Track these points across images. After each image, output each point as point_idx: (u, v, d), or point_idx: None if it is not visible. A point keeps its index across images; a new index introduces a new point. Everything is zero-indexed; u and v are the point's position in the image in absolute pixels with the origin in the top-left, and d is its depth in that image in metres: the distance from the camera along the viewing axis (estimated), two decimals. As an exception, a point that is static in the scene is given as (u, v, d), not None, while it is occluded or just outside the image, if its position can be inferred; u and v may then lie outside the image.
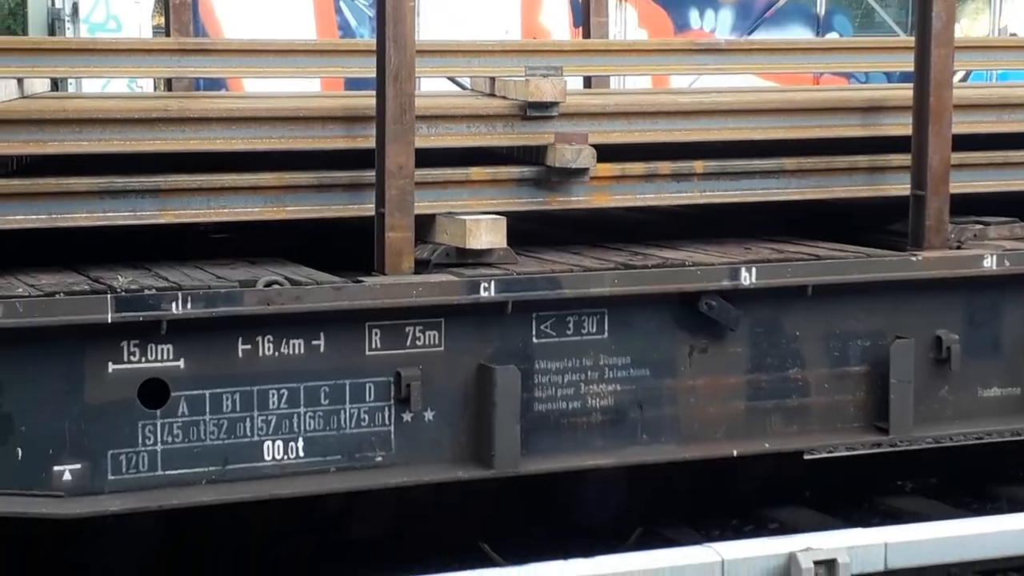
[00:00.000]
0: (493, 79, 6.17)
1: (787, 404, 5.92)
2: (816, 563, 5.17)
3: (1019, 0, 19.83)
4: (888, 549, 5.46)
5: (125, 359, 4.83)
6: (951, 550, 5.89)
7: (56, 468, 4.77)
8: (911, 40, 6.51)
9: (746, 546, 5.45)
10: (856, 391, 6.09)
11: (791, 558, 5.22)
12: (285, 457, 5.12)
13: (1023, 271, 6.22)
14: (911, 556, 5.65)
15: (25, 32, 11.78)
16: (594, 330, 5.51)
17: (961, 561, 6.05)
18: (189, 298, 4.77)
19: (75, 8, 11.80)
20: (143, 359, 4.87)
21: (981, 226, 6.41)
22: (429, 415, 5.28)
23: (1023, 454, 8.67)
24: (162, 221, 5.34)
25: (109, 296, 4.69)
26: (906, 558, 5.60)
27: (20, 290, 4.77)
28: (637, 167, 5.97)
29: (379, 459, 5.23)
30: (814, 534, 5.63)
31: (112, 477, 4.87)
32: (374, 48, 5.34)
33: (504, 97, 5.86)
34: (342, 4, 13.05)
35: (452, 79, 6.35)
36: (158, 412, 4.89)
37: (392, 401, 5.21)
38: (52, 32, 11.68)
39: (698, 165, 6.02)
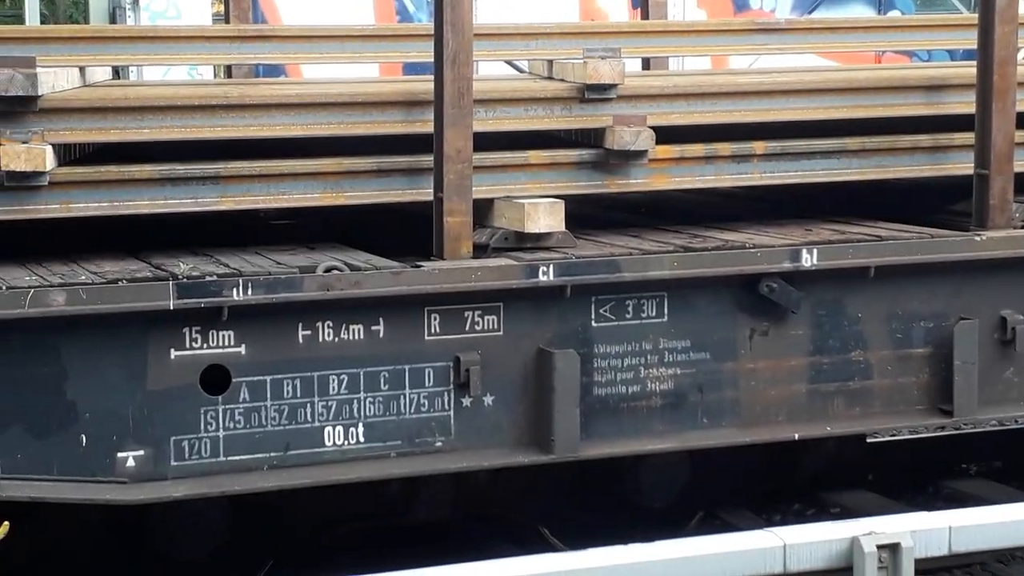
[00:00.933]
0: (551, 62, 6.19)
1: (849, 387, 5.95)
2: (879, 547, 5.14)
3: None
4: (952, 533, 5.42)
5: (187, 346, 4.89)
6: (1015, 533, 5.85)
7: (120, 454, 4.85)
8: (974, 17, 6.52)
9: (808, 530, 5.43)
10: (919, 373, 6.09)
11: (854, 542, 5.18)
12: (346, 443, 5.17)
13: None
14: (975, 540, 5.62)
15: (87, 21, 11.85)
16: (654, 314, 5.54)
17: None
18: (250, 284, 4.82)
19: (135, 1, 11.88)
20: (204, 345, 4.93)
21: None
22: (488, 400, 5.32)
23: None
24: (223, 208, 5.41)
25: (171, 283, 4.73)
26: (970, 542, 5.58)
27: (83, 277, 4.84)
28: (697, 149, 6.01)
29: (439, 444, 5.29)
30: (877, 518, 5.49)
31: (175, 463, 4.93)
32: (432, 32, 5.36)
33: (562, 80, 5.89)
34: (399, -8, 13.01)
35: (510, 62, 6.34)
36: (220, 398, 4.95)
37: (452, 386, 5.25)
38: (113, 20, 11.72)
39: (758, 146, 6.04)
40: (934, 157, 6.45)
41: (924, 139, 6.43)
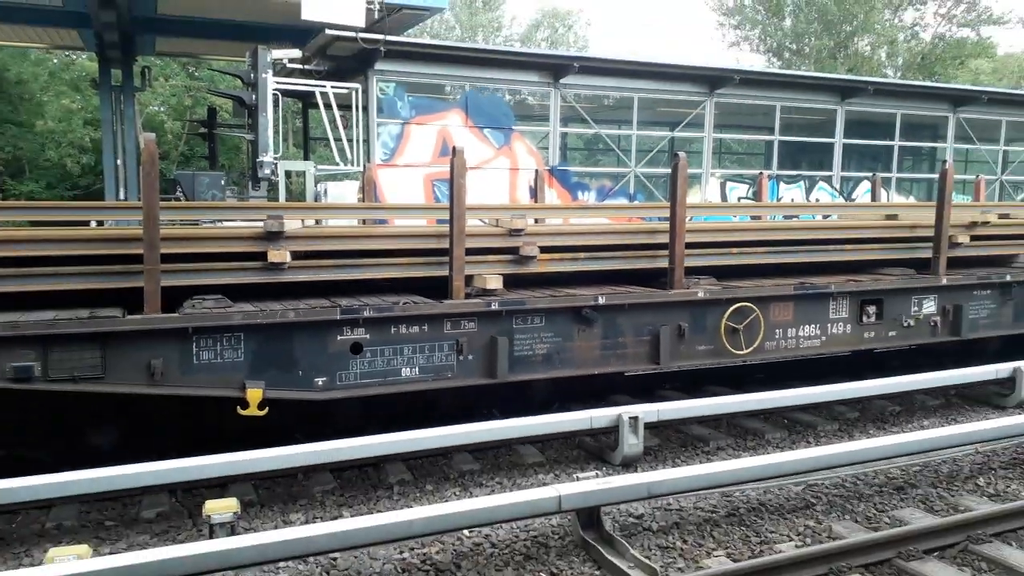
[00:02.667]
0: (497, 219, 6.43)
1: (618, 352, 6.30)
2: (630, 417, 5.74)
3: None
4: (659, 412, 5.96)
5: (344, 334, 5.45)
6: (690, 409, 6.23)
7: (315, 379, 5.42)
8: (667, 203, 6.65)
9: (602, 410, 5.84)
10: (647, 347, 6.39)
11: (619, 416, 5.76)
12: (411, 374, 5.65)
13: (719, 297, 6.54)
14: (670, 414, 6.09)
15: (304, 198, 12.03)
16: (539, 322, 6.00)
17: (693, 417, 6.54)
18: (371, 308, 5.43)
19: (325, 191, 12.40)
20: (352, 333, 5.49)
21: (697, 278, 6.69)
22: (471, 357, 5.81)
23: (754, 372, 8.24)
24: (361, 276, 5.85)
25: (338, 308, 5.35)
26: (668, 415, 6.06)
27: (303, 307, 5.39)
28: (557, 255, 6.37)
29: (449, 375, 5.78)
30: (631, 406, 6.01)
31: (339, 383, 5.47)
32: (447, 207, 5.86)
33: (501, 227, 6.27)
34: (435, 186, 13.52)
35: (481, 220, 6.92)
36: (357, 356, 5.50)
37: (455, 352, 5.75)
38: (316, 198, 12.15)
39: (581, 255, 6.49)
40: (653, 261, 6.67)
41: (648, 252, 6.70)
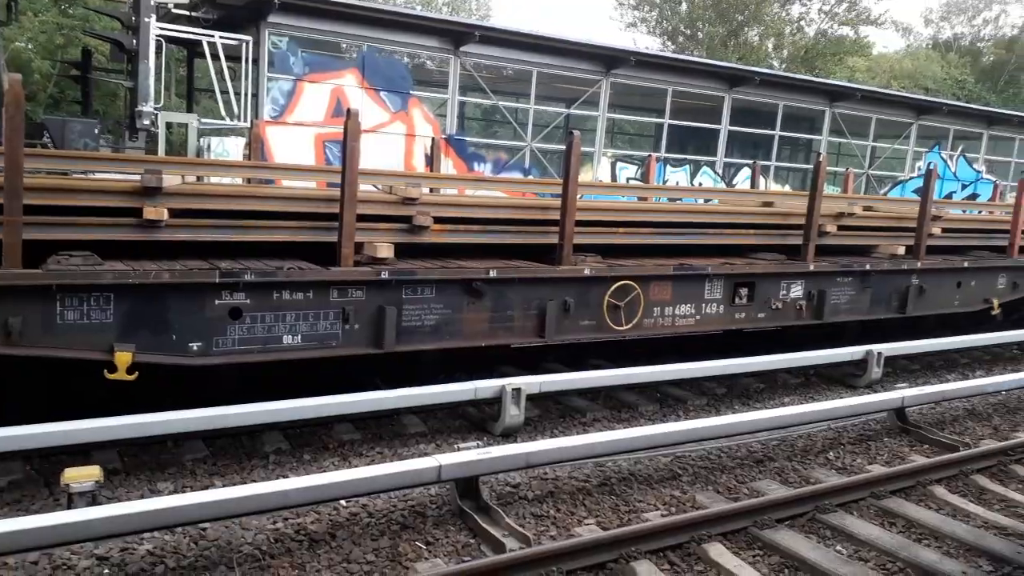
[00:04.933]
0: (391, 186, 6.31)
1: (507, 325, 6.30)
2: (512, 388, 5.88)
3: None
4: (541, 384, 6.12)
5: (223, 298, 5.21)
6: (568, 383, 6.50)
7: (190, 344, 5.16)
8: (560, 180, 6.69)
9: (486, 382, 5.97)
10: (534, 320, 6.41)
11: (503, 387, 5.90)
12: (294, 342, 5.46)
13: (604, 275, 6.61)
14: (551, 386, 6.27)
15: (187, 153, 11.41)
16: (429, 293, 5.91)
17: (573, 389, 6.73)
18: (253, 273, 5.21)
19: (208, 146, 11.72)
20: (231, 298, 5.24)
21: (583, 256, 6.65)
22: (357, 326, 5.67)
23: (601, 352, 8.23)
24: (244, 239, 5.56)
25: (217, 271, 5.12)
26: (548, 387, 6.22)
27: (179, 267, 5.11)
28: (450, 226, 6.27)
29: (334, 344, 5.62)
30: (513, 378, 6.11)
31: (215, 349, 5.23)
32: (340, 170, 5.65)
33: (395, 194, 6.13)
34: (327, 147, 13.13)
35: (374, 185, 6.52)
36: (236, 322, 5.26)
37: (340, 320, 5.60)
38: (198, 155, 11.59)
39: (474, 227, 6.41)
40: (545, 235, 6.63)
41: (540, 228, 6.68)
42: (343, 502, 4.56)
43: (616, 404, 7.06)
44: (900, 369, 8.96)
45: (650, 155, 13.24)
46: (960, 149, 23.02)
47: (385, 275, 5.70)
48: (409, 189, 6.07)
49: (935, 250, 9.29)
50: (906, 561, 4.29)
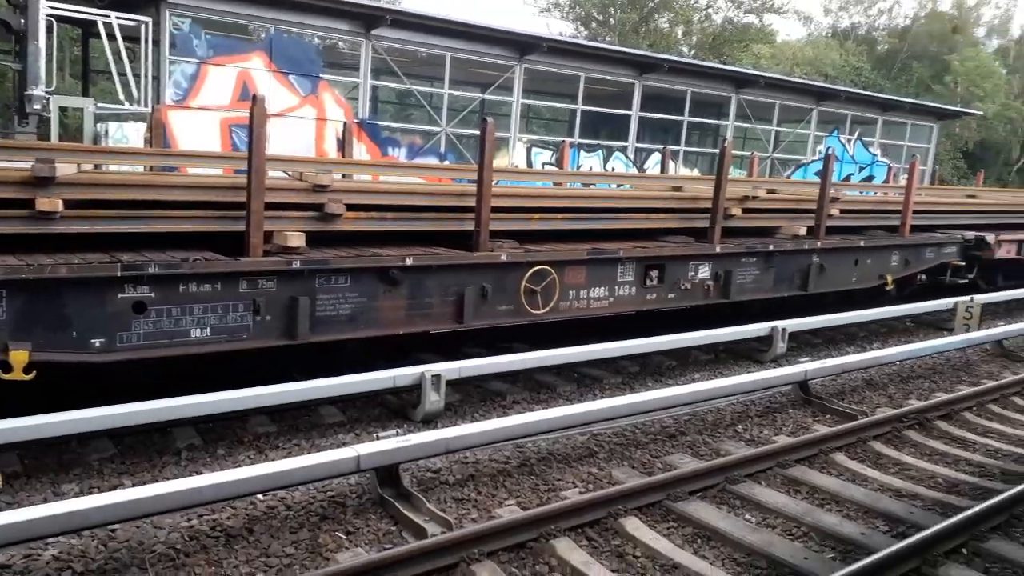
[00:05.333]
0: (301, 173, 6.06)
1: (424, 312, 6.27)
2: (432, 375, 5.88)
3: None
4: (461, 370, 6.13)
5: (126, 291, 5.01)
6: (487, 367, 6.50)
7: (91, 340, 4.94)
8: (476, 166, 6.67)
9: (405, 369, 5.88)
10: (452, 307, 6.40)
11: (422, 374, 5.91)
12: (202, 335, 5.30)
13: (520, 260, 6.66)
14: (466, 372, 6.24)
15: (82, 140, 10.72)
16: (344, 282, 5.80)
17: (493, 373, 6.74)
18: (157, 265, 5.03)
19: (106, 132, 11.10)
20: (134, 291, 5.04)
21: (500, 243, 6.81)
22: (269, 318, 5.55)
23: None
24: (148, 230, 5.32)
25: (119, 263, 4.91)
26: (464, 373, 6.20)
27: (76, 261, 4.89)
28: (364, 213, 6.17)
29: (245, 336, 5.49)
30: (435, 364, 6.07)
31: (119, 345, 5.02)
32: (247, 156, 5.42)
33: (306, 181, 5.91)
34: (234, 132, 12.69)
35: (284, 172, 6.19)
36: (140, 316, 5.07)
37: (251, 312, 5.47)
38: (95, 141, 11.01)
39: (389, 214, 6.35)
40: (460, 223, 6.59)
41: (457, 215, 6.64)
42: (260, 496, 4.48)
43: (535, 386, 7.16)
44: (803, 343, 9.36)
45: (564, 141, 13.38)
46: (857, 133, 24.14)
47: (297, 265, 5.59)
48: (320, 176, 5.95)
49: (834, 230, 9.73)
50: (810, 526, 4.53)
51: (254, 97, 5.47)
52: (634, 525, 4.42)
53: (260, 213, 5.52)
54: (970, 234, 11.45)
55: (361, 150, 13.54)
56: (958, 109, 29.35)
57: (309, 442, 5.59)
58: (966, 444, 6.18)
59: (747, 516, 4.70)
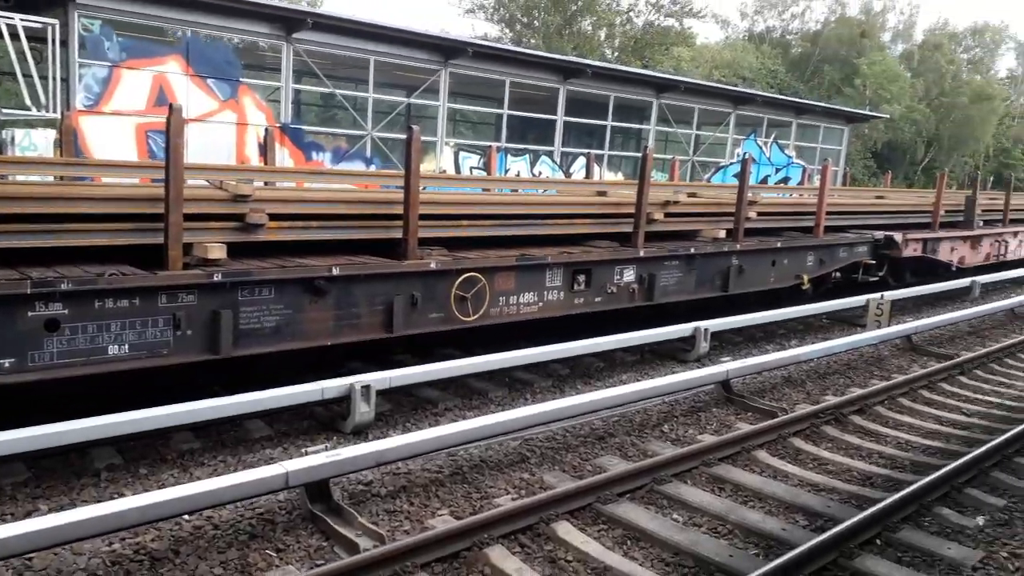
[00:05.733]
0: (222, 181, 5.99)
1: (352, 322, 6.23)
2: (362, 386, 5.83)
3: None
4: (391, 380, 6.09)
5: (37, 310, 4.82)
6: (418, 375, 6.52)
7: (0, 360, 4.74)
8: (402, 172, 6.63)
9: (334, 381, 5.84)
10: (381, 315, 6.37)
11: (351, 386, 5.85)
12: (120, 352, 5.14)
13: (450, 268, 6.67)
14: (398, 381, 6.23)
15: None
16: (268, 294, 5.74)
17: (424, 381, 6.70)
18: (70, 282, 4.85)
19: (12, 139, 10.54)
20: (46, 309, 4.85)
21: (429, 250, 6.80)
22: (190, 332, 5.42)
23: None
24: (54, 244, 5.16)
25: (29, 280, 4.72)
26: (396, 382, 6.19)
27: None
28: (288, 223, 6.09)
29: (165, 352, 5.35)
30: (362, 375, 6.01)
31: (31, 364, 4.84)
32: (164, 165, 5.29)
33: (226, 190, 5.81)
34: (151, 138, 12.23)
35: (207, 180, 6.15)
36: (54, 334, 4.88)
37: (171, 327, 5.33)
38: (2, 151, 10.26)
39: (313, 223, 6.26)
40: (388, 230, 6.59)
41: (383, 222, 6.61)
42: (186, 515, 4.36)
43: (467, 392, 7.17)
44: (725, 342, 9.65)
45: (491, 146, 13.42)
46: (773, 136, 24.99)
47: (218, 277, 5.47)
48: (241, 185, 5.83)
49: (752, 232, 10.06)
50: (734, 524, 4.68)
51: (171, 107, 5.31)
52: (565, 529, 4.49)
53: (179, 225, 5.39)
54: (880, 234, 12.01)
55: (284, 155, 13.30)
56: (867, 113, 30.73)
57: (236, 458, 5.48)
58: (879, 437, 6.49)
59: (674, 516, 4.82)
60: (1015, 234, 16.38)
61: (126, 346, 5.21)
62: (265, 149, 9.54)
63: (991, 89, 50.01)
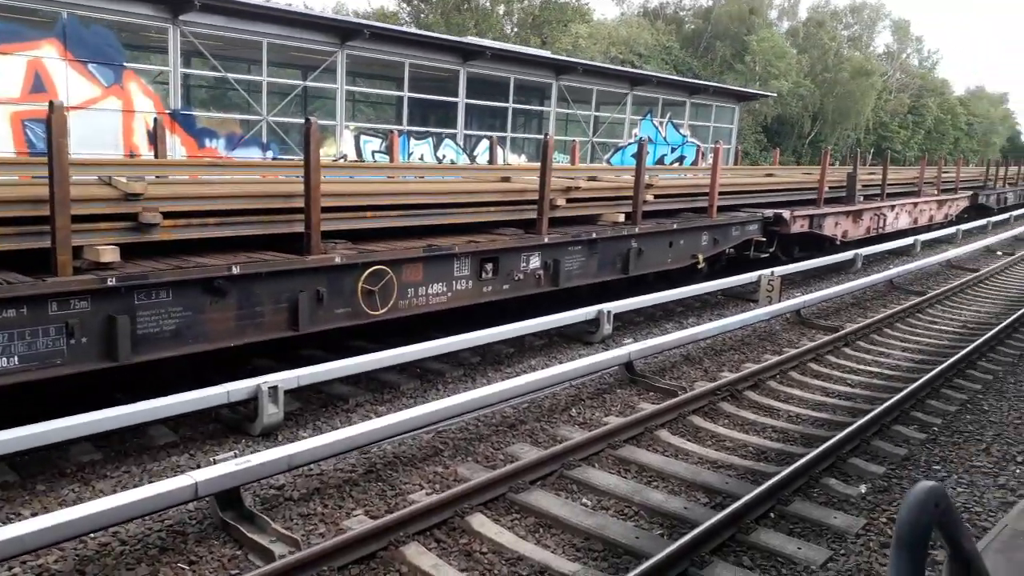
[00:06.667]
0: (111, 177, 5.66)
1: (256, 321, 6.09)
2: (269, 387, 5.76)
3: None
4: (299, 379, 6.02)
5: None
6: (327, 372, 6.37)
7: None
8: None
9: (240, 383, 5.72)
10: (285, 313, 6.28)
11: (258, 387, 5.75)
12: (9, 364, 4.91)
13: (355, 261, 6.61)
14: (304, 380, 6.11)
15: None
16: (166, 296, 5.57)
17: (340, 375, 6.64)
18: None
19: None
20: None
21: (334, 243, 6.71)
22: (84, 340, 5.22)
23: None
24: None
25: None
26: (302, 382, 6.07)
27: None
28: (183, 221, 5.92)
29: (59, 362, 5.14)
30: (269, 375, 5.91)
31: None
32: (47, 162, 5.05)
33: (117, 188, 5.57)
34: (27, 128, 11.46)
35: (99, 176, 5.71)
36: None
37: (64, 335, 5.12)
38: None
39: (211, 220, 6.09)
40: (289, 225, 6.51)
41: (286, 216, 6.53)
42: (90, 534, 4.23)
43: (378, 386, 7.16)
44: (628, 323, 9.97)
45: (392, 131, 13.28)
46: (668, 116, 25.68)
47: (112, 282, 5.28)
48: (132, 183, 5.60)
49: (649, 215, 10.40)
50: (640, 505, 4.91)
51: (51, 104, 5.04)
52: (480, 522, 4.60)
53: (67, 228, 5.16)
54: (769, 212, 12.62)
55: (175, 143, 12.77)
56: (756, 91, 31.96)
57: (140, 467, 5.33)
58: (772, 412, 6.89)
59: (583, 500, 5.01)
60: (892, 207, 17.50)
61: (15, 358, 4.97)
62: (155, 138, 9.12)
63: (869, 65, 52.91)
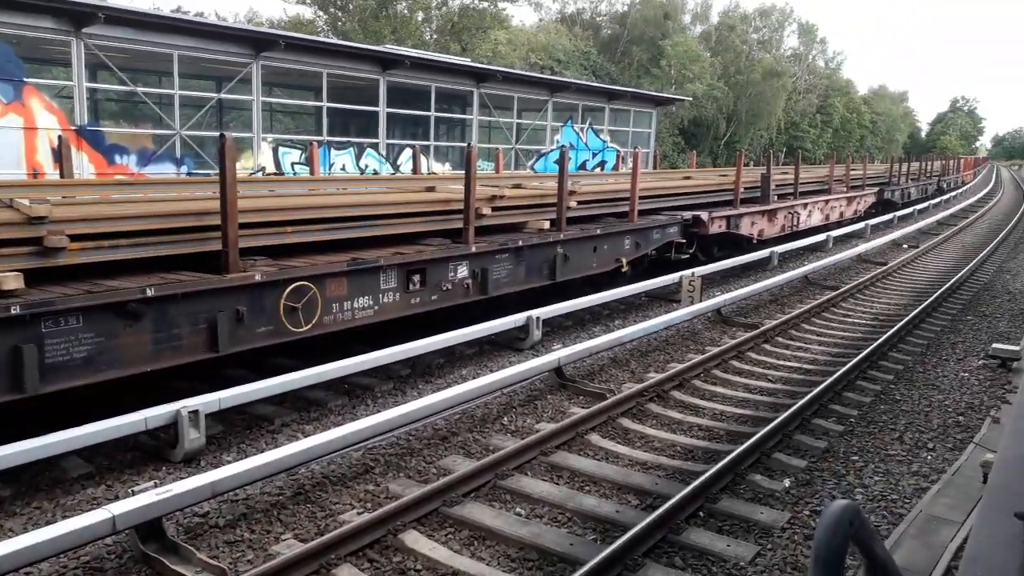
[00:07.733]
0: (11, 200, 5.49)
1: (173, 344, 5.90)
2: (189, 412, 5.57)
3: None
4: (221, 401, 5.84)
5: None
6: (250, 394, 6.15)
7: None
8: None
9: (158, 408, 5.48)
10: (204, 334, 6.08)
11: (178, 412, 5.56)
12: None
13: (276, 278, 6.45)
14: (236, 400, 5.94)
15: None
16: (76, 323, 5.32)
17: (264, 396, 6.37)
18: None
19: None
20: None
21: (253, 260, 6.62)
22: None
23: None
24: None
25: None
26: (233, 402, 5.91)
27: None
28: (92, 243, 5.70)
29: None
30: (189, 399, 5.66)
31: None
32: None
33: (18, 211, 5.36)
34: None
35: None
36: None
37: None
38: None
39: (122, 241, 5.83)
40: (205, 244, 6.35)
41: (198, 235, 6.30)
42: (-2, 578, 4.00)
43: (304, 404, 7.00)
44: (556, 327, 10.02)
45: (312, 143, 13.05)
46: (588, 122, 26.06)
47: (16, 310, 5.03)
48: (35, 206, 5.35)
49: (573, 221, 10.52)
50: (573, 511, 4.94)
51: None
52: (413, 538, 4.54)
53: (-36, 256, 4.87)
54: (688, 214, 12.93)
55: (83, 161, 12.25)
56: (671, 96, 32.77)
57: (53, 503, 5.07)
58: (697, 411, 7.04)
59: (517, 510, 5.00)
60: (805, 205, 18.17)
61: (-90, 394, 4.67)
62: (60, 156, 8.73)
63: (779, 67, 54.87)
